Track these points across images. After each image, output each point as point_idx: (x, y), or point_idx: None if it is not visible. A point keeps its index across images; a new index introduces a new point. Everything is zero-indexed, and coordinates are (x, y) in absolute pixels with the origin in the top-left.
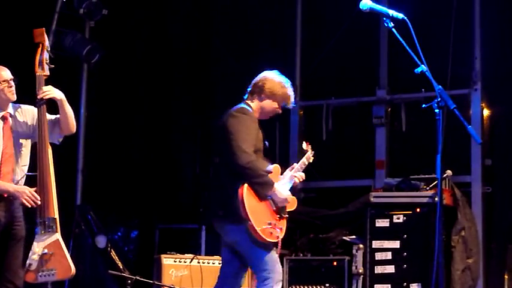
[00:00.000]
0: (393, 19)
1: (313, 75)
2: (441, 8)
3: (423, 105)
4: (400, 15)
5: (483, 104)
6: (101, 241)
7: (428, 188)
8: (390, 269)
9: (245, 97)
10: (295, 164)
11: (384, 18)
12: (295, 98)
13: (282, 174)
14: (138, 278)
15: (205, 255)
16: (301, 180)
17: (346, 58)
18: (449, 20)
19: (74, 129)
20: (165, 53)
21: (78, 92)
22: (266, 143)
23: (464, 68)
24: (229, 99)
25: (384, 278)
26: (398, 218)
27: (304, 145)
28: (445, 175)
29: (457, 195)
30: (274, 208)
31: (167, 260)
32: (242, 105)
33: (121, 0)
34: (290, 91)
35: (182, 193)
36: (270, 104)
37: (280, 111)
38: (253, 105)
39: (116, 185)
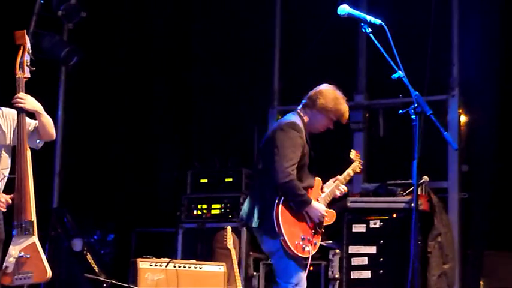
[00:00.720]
0: (371, 25)
1: (291, 80)
2: (419, 14)
3: (400, 111)
4: (378, 21)
5: (460, 110)
6: (77, 244)
7: (405, 194)
8: (366, 274)
9: (298, 107)
10: (338, 176)
11: (362, 24)
12: (272, 102)
13: (322, 187)
14: (113, 281)
15: (182, 259)
16: (343, 193)
17: (324, 63)
18: (427, 26)
19: (54, 137)
20: (144, 56)
21: (56, 95)
22: (312, 153)
23: (442, 74)
24: (209, 104)
25: (360, 283)
26: (375, 223)
27: (353, 153)
28: (421, 181)
29: (433, 201)
30: (310, 224)
31: (143, 264)
32: (293, 116)
33: (100, 3)
34: (344, 107)
35: (160, 197)
36: (321, 120)
37: (332, 127)
38: (305, 118)
39: (92, 188)
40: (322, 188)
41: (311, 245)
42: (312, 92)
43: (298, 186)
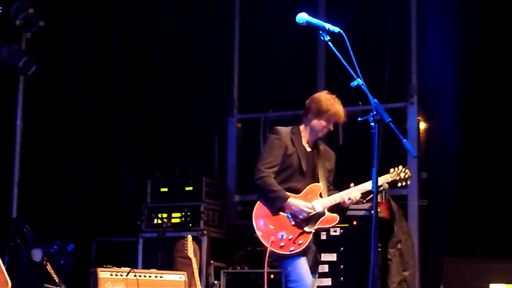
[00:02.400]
0: (330, 33)
1: (251, 88)
2: (378, 22)
3: (359, 119)
4: (337, 29)
5: (419, 118)
6: (37, 254)
7: (364, 201)
8: (327, 281)
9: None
10: (352, 184)
11: (321, 32)
12: (231, 111)
13: (321, 193)
14: None
15: (142, 268)
16: (352, 201)
17: (284, 71)
18: (386, 34)
19: None
20: (102, 65)
21: (14, 104)
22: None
23: (401, 82)
24: (168, 112)
25: None
26: (335, 231)
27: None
28: (381, 188)
29: (393, 208)
30: (294, 222)
31: (103, 274)
32: (292, 126)
33: (58, 12)
34: (336, 107)
35: (120, 206)
36: (317, 123)
37: (332, 128)
38: (302, 127)
39: (52, 198)
40: (321, 194)
41: (293, 243)
42: (307, 101)
43: (271, 183)
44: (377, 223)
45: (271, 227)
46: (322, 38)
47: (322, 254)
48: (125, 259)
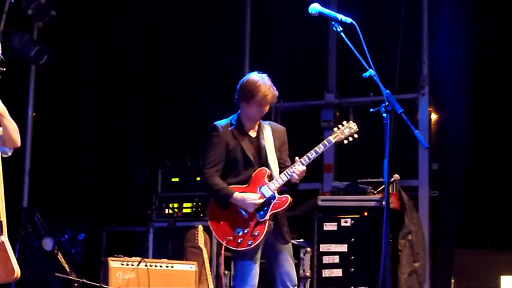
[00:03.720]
0: (342, 23)
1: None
2: (390, 13)
3: (371, 110)
4: (349, 20)
5: (430, 109)
6: (48, 243)
7: (375, 192)
8: (337, 272)
9: None
10: (297, 158)
11: (333, 23)
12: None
13: (270, 175)
14: (84, 280)
15: (153, 258)
16: (299, 173)
17: (295, 61)
18: (397, 25)
19: (18, 144)
20: (113, 55)
21: (26, 94)
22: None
23: (413, 73)
24: (178, 102)
25: (331, 282)
26: (346, 222)
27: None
28: (392, 179)
29: (404, 199)
30: (246, 215)
31: (114, 263)
32: (232, 116)
33: (70, 2)
34: (262, 90)
35: (131, 196)
36: (248, 109)
37: (265, 110)
38: (240, 114)
39: (63, 187)
40: (269, 176)
41: (251, 236)
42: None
43: (213, 183)
44: (388, 214)
45: (225, 225)
46: (335, 29)
47: (332, 245)
48: (135, 249)
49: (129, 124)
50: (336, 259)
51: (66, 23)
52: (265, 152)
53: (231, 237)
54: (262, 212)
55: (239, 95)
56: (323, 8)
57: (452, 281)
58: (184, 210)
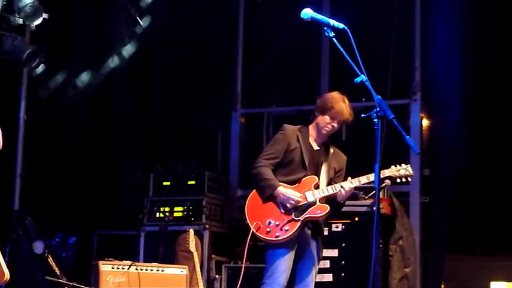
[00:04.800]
0: (334, 29)
1: (254, 83)
2: (382, 19)
3: (362, 115)
4: (341, 25)
5: (422, 115)
6: (38, 247)
7: (367, 197)
8: (328, 277)
9: None
10: (349, 177)
11: (325, 28)
12: (235, 106)
13: (317, 184)
14: (75, 284)
15: (144, 262)
16: (347, 191)
17: (287, 66)
18: (390, 31)
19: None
20: (106, 57)
21: (18, 96)
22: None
23: (405, 79)
24: (171, 107)
25: (322, 287)
26: (337, 227)
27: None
28: (383, 184)
29: (395, 204)
30: (283, 210)
31: (105, 267)
32: (301, 126)
33: (62, 4)
34: (341, 106)
35: (122, 199)
36: (321, 120)
37: (336, 126)
38: (311, 126)
39: (54, 191)
40: (317, 186)
41: (280, 230)
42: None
43: (264, 172)
44: (379, 219)
45: (260, 213)
46: (327, 34)
47: (324, 250)
48: (126, 252)
49: (121, 128)
50: (326, 264)
51: (58, 26)
52: (321, 166)
53: (262, 225)
54: (298, 213)
55: (317, 107)
56: (315, 13)
57: (443, 286)
58: (175, 214)
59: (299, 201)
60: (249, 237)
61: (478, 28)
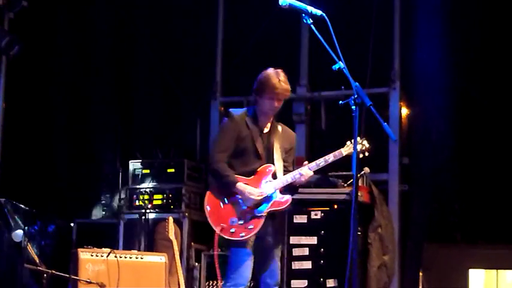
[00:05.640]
0: (312, 16)
1: (234, 72)
2: (362, 7)
3: (340, 102)
4: (319, 12)
5: (401, 103)
6: (18, 235)
7: (346, 185)
8: (307, 264)
9: None
10: (306, 162)
11: (303, 15)
12: (214, 94)
13: (275, 173)
14: (54, 272)
15: (123, 249)
16: (305, 177)
17: (267, 55)
18: (369, 19)
19: None
20: (85, 46)
21: None
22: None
23: (384, 67)
24: (151, 95)
25: (301, 274)
26: (316, 215)
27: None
28: (362, 172)
29: (374, 192)
30: (245, 207)
31: (84, 254)
32: (247, 108)
33: None
34: (274, 83)
35: (101, 187)
36: (261, 102)
37: (277, 105)
38: (256, 108)
39: (33, 179)
40: (274, 174)
41: (245, 229)
42: None
43: (222, 169)
44: (357, 207)
45: (222, 213)
46: (305, 21)
47: (302, 238)
48: (105, 241)
49: (100, 115)
50: (305, 251)
51: (38, 14)
52: (273, 149)
53: (225, 225)
54: (260, 207)
55: (254, 89)
56: (294, 0)
57: (421, 274)
58: (155, 202)
59: (258, 199)
60: (215, 242)
61: (458, 17)
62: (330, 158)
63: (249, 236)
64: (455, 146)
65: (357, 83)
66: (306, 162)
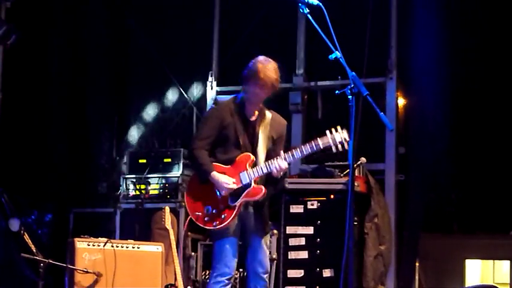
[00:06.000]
0: (309, 5)
1: (230, 61)
2: None
3: (337, 91)
4: (316, 2)
5: (398, 93)
6: (14, 224)
7: (342, 175)
8: (304, 254)
9: None
10: (282, 152)
11: (300, 4)
12: (211, 83)
13: (252, 162)
14: (51, 261)
15: (120, 239)
16: (280, 169)
17: (263, 44)
18: (366, 9)
19: None
20: (82, 35)
21: None
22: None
23: (381, 57)
24: (146, 85)
25: (297, 264)
26: (312, 205)
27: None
28: (359, 162)
29: (370, 182)
30: (219, 196)
31: (81, 244)
32: (235, 95)
33: None
34: (264, 72)
35: (98, 177)
36: (248, 90)
37: (263, 94)
38: (244, 96)
39: (30, 168)
40: (253, 164)
41: (218, 217)
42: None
43: (199, 156)
44: (353, 197)
45: (199, 200)
46: (302, 11)
47: (299, 227)
48: (102, 230)
49: (97, 105)
50: (302, 241)
51: (34, 4)
52: (257, 139)
53: (200, 213)
54: (234, 197)
55: (242, 77)
56: None
57: (417, 264)
58: (151, 192)
59: (232, 188)
60: (185, 227)
61: (455, 6)
62: (307, 150)
63: (222, 226)
64: (452, 136)
65: (354, 73)
66: (282, 152)
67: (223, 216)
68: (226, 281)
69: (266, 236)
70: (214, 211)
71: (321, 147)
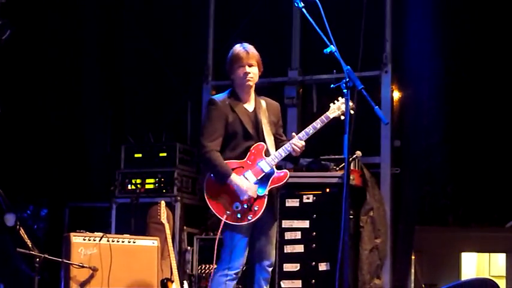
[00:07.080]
0: None
1: (225, 55)
2: None
3: (332, 85)
4: None
5: (393, 87)
6: (10, 219)
7: (338, 169)
8: (299, 248)
9: None
10: (293, 133)
11: None
12: (206, 77)
13: (267, 150)
14: (46, 256)
15: (116, 233)
16: (298, 148)
17: (258, 38)
18: (360, 2)
19: None
20: (76, 30)
21: None
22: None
23: (376, 51)
24: (142, 79)
25: (293, 258)
26: (308, 198)
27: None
28: (354, 156)
29: (366, 175)
30: (242, 198)
31: (76, 239)
32: (228, 90)
33: None
34: (236, 50)
35: (93, 172)
36: (234, 76)
37: (245, 71)
38: (235, 87)
39: (25, 163)
40: (266, 151)
41: (250, 211)
42: None
43: (214, 158)
44: (348, 190)
45: (224, 200)
46: (296, 5)
47: (294, 221)
48: (98, 225)
49: (92, 99)
50: (297, 235)
51: None
52: (262, 126)
53: (230, 212)
54: (261, 187)
55: (226, 69)
56: None
57: (413, 257)
58: (147, 186)
59: (253, 196)
60: (220, 230)
61: (450, 0)
62: (318, 124)
63: (256, 217)
64: (447, 129)
65: (349, 67)
66: (294, 133)
67: (255, 208)
68: (234, 275)
69: (275, 224)
70: (245, 206)
71: (331, 118)
